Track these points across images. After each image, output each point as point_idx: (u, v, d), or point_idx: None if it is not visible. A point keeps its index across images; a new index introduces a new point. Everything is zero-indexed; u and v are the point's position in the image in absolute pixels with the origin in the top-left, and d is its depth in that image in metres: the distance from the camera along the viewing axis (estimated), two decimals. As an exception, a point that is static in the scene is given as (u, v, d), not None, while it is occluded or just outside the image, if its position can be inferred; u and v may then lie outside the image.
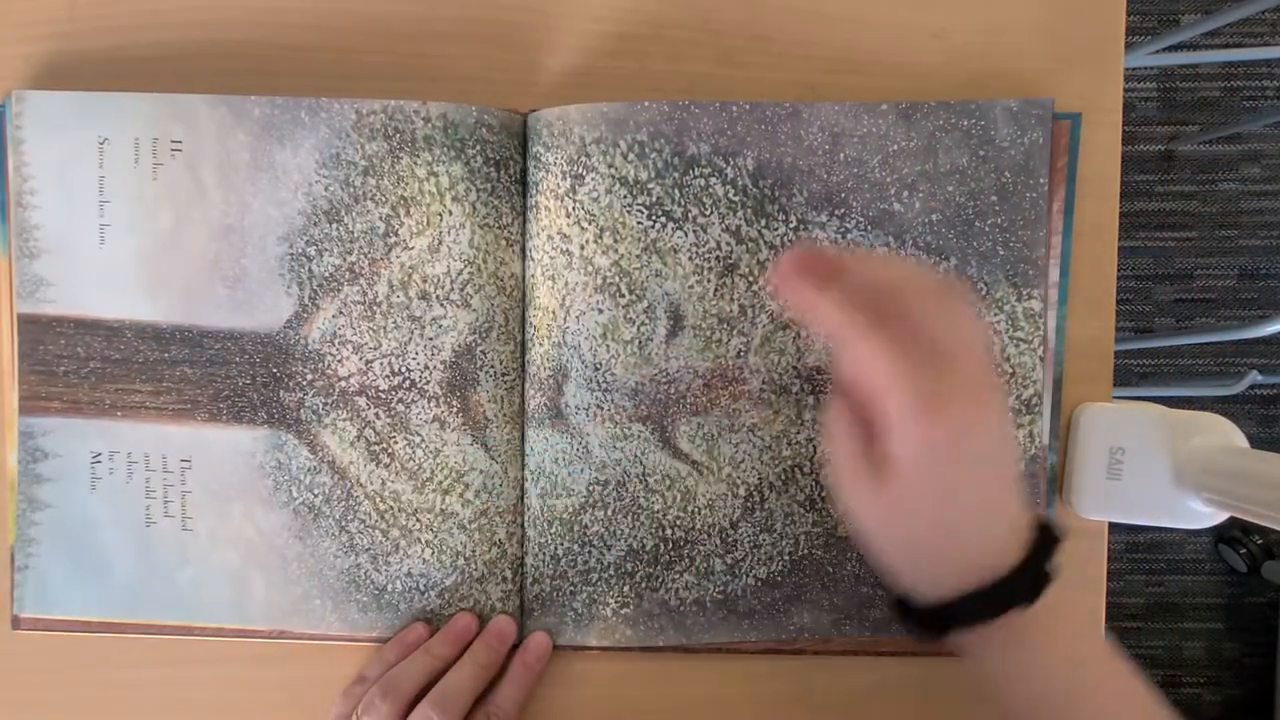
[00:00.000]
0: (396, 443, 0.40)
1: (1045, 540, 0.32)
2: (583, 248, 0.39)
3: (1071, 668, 0.32)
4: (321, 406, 0.40)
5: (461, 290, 0.39)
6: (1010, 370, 0.40)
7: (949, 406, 0.29)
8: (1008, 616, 0.31)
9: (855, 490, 0.32)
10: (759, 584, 0.40)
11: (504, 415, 0.40)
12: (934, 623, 0.32)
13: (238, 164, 0.39)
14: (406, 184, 0.39)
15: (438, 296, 0.39)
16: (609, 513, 0.40)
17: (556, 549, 0.40)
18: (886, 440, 0.30)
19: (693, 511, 0.40)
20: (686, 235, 0.39)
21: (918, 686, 0.42)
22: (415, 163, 0.39)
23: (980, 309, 0.36)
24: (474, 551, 0.40)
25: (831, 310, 0.30)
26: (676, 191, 0.39)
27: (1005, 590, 0.31)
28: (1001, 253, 0.39)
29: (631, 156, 0.39)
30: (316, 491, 0.40)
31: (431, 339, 0.39)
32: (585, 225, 0.39)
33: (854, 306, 0.30)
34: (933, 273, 0.32)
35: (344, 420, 0.40)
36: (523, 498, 0.40)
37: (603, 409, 0.40)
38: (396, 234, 0.39)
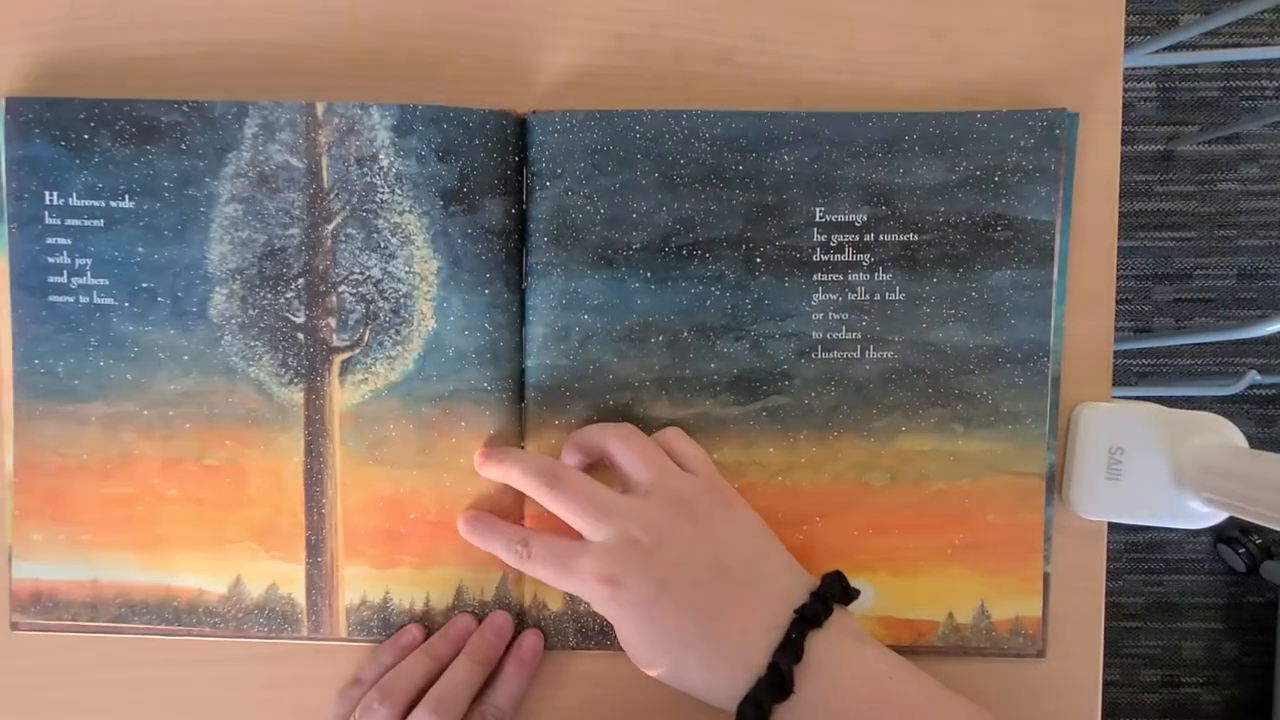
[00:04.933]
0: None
1: (773, 677, 0.34)
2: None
3: (874, 692, 0.34)
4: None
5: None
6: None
7: (628, 594, 0.35)
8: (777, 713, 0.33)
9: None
10: None
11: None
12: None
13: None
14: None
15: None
16: None
17: None
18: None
19: None
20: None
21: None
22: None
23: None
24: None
25: (524, 469, 0.37)
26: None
27: (775, 680, 0.33)
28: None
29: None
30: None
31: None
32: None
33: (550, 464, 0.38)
34: (624, 430, 0.38)
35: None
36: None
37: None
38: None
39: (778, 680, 0.33)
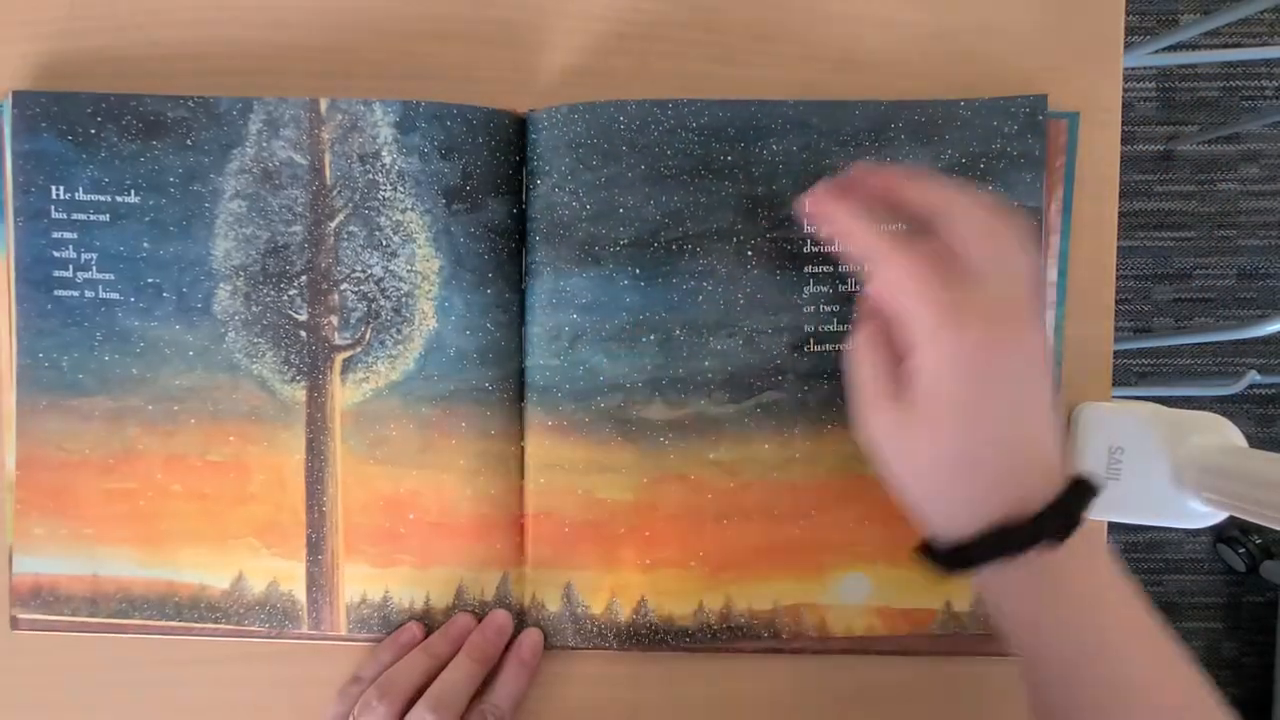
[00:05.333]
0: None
1: (1080, 487, 0.30)
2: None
3: (1094, 618, 0.30)
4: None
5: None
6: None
7: (976, 320, 0.29)
8: (1029, 556, 0.29)
9: (876, 414, 0.31)
10: None
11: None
12: (954, 560, 0.31)
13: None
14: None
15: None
16: None
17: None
18: (910, 358, 0.30)
19: None
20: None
21: (917, 686, 0.42)
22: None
23: (1030, 238, 0.33)
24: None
25: (860, 232, 0.31)
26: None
27: (1029, 528, 0.29)
28: None
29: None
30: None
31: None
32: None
33: (882, 228, 0.31)
34: (978, 194, 0.31)
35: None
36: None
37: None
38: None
39: (1082, 497, 0.30)
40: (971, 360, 0.29)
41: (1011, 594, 0.31)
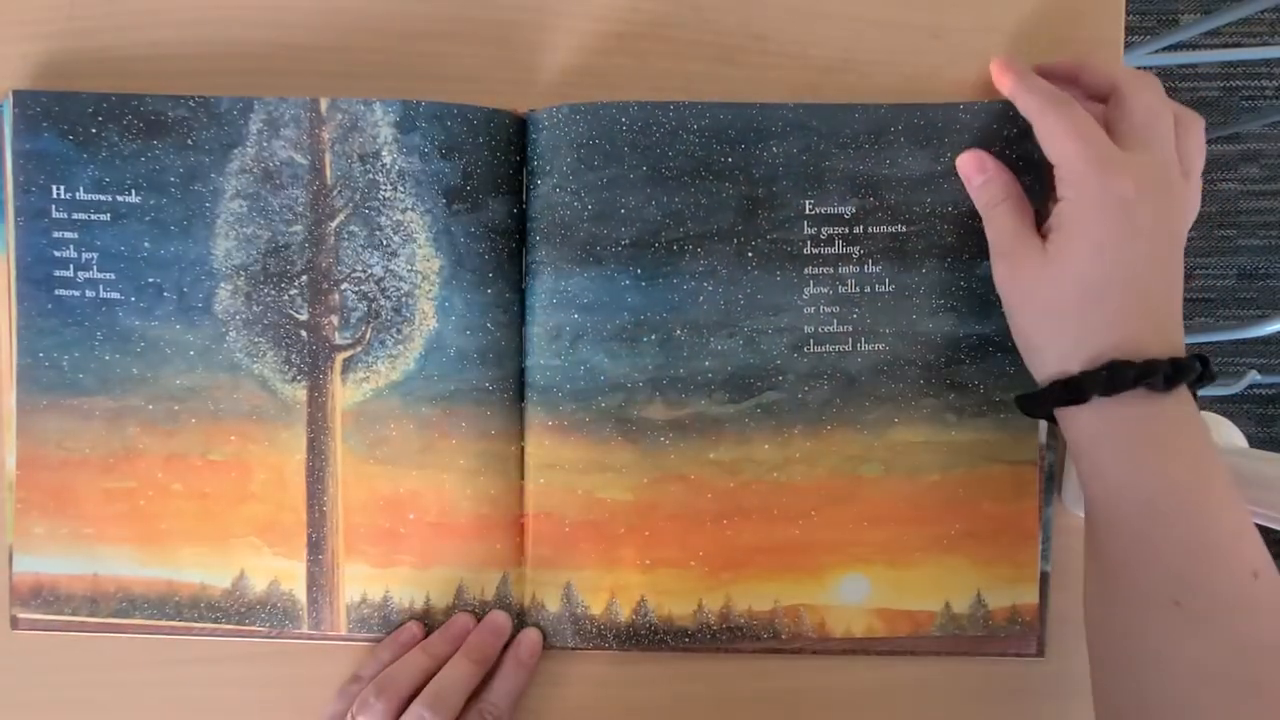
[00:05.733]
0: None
1: (1200, 360, 0.33)
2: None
3: (1186, 473, 0.32)
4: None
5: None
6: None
7: (1126, 174, 0.32)
8: (1135, 396, 0.32)
9: (1018, 255, 0.34)
10: None
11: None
12: (1063, 394, 0.33)
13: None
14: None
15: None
16: None
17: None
18: (1060, 194, 0.33)
19: None
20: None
21: (918, 686, 0.42)
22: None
23: (1195, 126, 0.36)
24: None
25: (1029, 88, 0.35)
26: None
27: (1141, 366, 0.31)
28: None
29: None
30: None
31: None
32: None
33: (1050, 87, 0.35)
34: (1156, 80, 0.35)
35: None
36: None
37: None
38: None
39: (1194, 364, 0.32)
40: (1117, 206, 0.32)
41: (1107, 439, 0.33)
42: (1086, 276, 0.33)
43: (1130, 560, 0.32)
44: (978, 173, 0.38)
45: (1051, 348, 0.34)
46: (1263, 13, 1.11)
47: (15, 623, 0.41)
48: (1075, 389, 0.33)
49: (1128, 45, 0.80)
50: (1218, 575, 0.31)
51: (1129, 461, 0.33)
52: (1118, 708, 0.33)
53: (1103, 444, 0.33)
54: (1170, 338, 0.33)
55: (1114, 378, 0.32)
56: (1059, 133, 0.34)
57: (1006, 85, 0.37)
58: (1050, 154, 0.34)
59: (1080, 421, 0.33)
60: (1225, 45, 1.21)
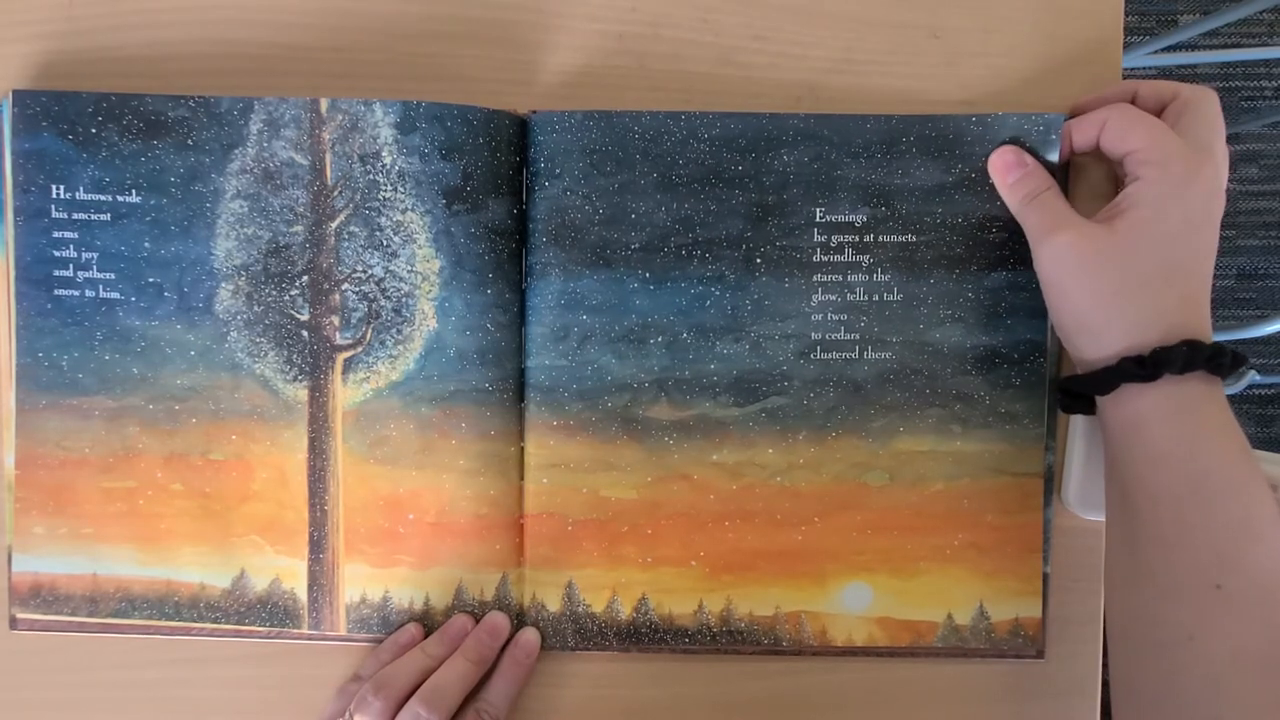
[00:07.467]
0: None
1: (1235, 353, 0.34)
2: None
3: (1228, 456, 0.33)
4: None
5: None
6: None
7: (1207, 167, 0.34)
8: (1200, 374, 0.33)
9: (1076, 225, 0.35)
10: None
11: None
12: (1111, 376, 0.34)
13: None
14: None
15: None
16: None
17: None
18: (1138, 174, 0.34)
19: None
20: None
21: (918, 687, 0.42)
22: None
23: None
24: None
25: (1099, 99, 0.38)
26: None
27: (1187, 350, 0.32)
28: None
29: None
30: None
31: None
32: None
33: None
34: (1210, 93, 0.37)
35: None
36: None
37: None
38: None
39: (1229, 351, 0.33)
40: (1202, 192, 0.34)
41: (1166, 417, 0.33)
42: (1169, 255, 0.34)
43: (1172, 540, 0.33)
44: (1018, 166, 0.38)
45: (1115, 325, 0.34)
46: (1261, 13, 1.12)
47: (14, 623, 0.41)
48: (1152, 364, 0.33)
49: (1127, 45, 0.80)
50: (1260, 556, 0.32)
51: (1188, 440, 0.33)
52: (1141, 690, 0.34)
53: (1160, 423, 0.33)
54: (1204, 329, 0.35)
55: (1192, 354, 0.33)
56: (1139, 120, 0.35)
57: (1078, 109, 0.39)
58: (1129, 141, 0.35)
59: (1140, 401, 0.34)
60: (1224, 46, 1.21)
